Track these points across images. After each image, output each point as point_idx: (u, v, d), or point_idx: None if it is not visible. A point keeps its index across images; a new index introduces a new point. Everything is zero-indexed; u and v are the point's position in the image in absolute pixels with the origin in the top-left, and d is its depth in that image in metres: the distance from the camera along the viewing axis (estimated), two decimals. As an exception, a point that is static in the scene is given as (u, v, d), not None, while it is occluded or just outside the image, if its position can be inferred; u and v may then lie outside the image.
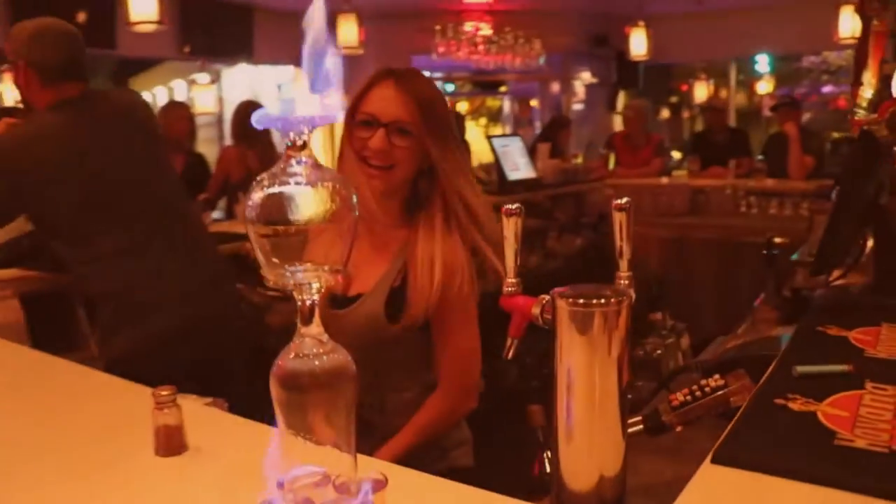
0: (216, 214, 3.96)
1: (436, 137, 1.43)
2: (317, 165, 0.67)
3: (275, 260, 0.68)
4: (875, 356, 1.23)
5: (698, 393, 1.28)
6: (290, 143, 0.66)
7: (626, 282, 0.93)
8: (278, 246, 0.67)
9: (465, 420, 1.61)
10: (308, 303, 0.70)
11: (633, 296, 0.96)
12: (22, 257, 2.19)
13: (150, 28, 4.62)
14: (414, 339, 1.48)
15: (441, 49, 6.01)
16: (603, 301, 0.80)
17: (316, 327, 0.72)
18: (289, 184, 0.66)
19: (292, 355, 0.72)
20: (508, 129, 12.10)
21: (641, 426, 1.30)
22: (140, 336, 1.93)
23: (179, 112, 4.20)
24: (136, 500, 0.89)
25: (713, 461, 0.90)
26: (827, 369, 1.14)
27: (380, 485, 0.76)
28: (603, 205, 5.19)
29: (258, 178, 0.67)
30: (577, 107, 10.95)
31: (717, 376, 1.30)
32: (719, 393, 1.27)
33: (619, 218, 0.91)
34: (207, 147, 9.47)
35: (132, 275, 1.96)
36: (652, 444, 1.34)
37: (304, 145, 0.66)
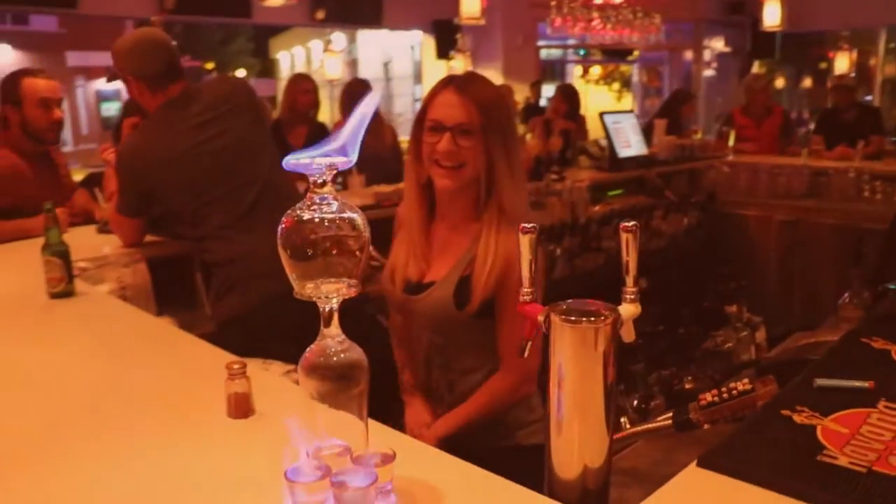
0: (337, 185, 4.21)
1: (495, 136, 1.55)
2: (334, 199, 0.82)
3: (302, 275, 0.83)
4: (908, 374, 1.25)
5: (725, 395, 1.35)
6: (313, 182, 0.81)
7: (632, 296, 1.02)
8: (304, 264, 0.82)
9: (540, 400, 1.70)
10: (327, 309, 0.85)
11: (639, 309, 1.05)
12: (151, 226, 2.48)
13: (279, 2, 4.92)
14: (481, 326, 1.60)
15: (556, 23, 5.98)
16: (592, 319, 0.90)
17: (335, 329, 0.87)
18: (312, 214, 0.81)
19: (316, 351, 0.88)
20: (637, 98, 11.84)
21: (671, 421, 1.40)
22: (244, 301, 2.17)
23: (304, 85, 4.45)
24: (204, 452, 1.08)
25: (698, 464, 0.99)
26: (846, 384, 1.19)
27: (388, 458, 0.90)
28: (716, 183, 5.07)
29: (290, 209, 0.82)
30: (709, 73, 10.56)
31: (745, 380, 1.37)
32: (746, 397, 1.34)
33: (625, 238, 1.00)
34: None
35: (237, 247, 2.19)
36: (690, 437, 1.42)
37: (324, 184, 0.81)
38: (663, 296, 3.78)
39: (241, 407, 1.17)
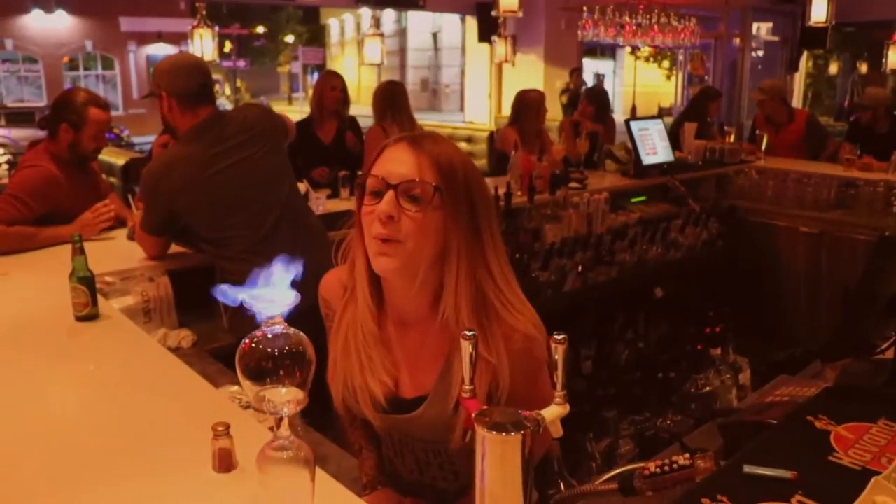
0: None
1: (458, 206, 1.25)
2: (286, 330, 0.96)
3: (256, 390, 0.97)
4: (837, 462, 1.34)
5: (667, 468, 1.47)
6: (264, 321, 0.95)
7: (560, 399, 1.14)
8: (258, 382, 0.97)
9: None
10: (279, 417, 1.00)
11: (567, 410, 1.16)
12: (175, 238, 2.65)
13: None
14: None
15: (588, 27, 5.97)
16: (505, 433, 1.03)
17: (285, 431, 1.01)
18: (264, 345, 0.95)
19: (270, 448, 1.02)
20: (683, 81, 11.72)
21: (616, 485, 1.52)
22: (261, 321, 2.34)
23: (333, 82, 4.58)
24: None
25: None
26: (771, 473, 1.29)
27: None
28: (743, 190, 5.05)
29: (249, 336, 0.96)
30: (755, 61, 10.38)
31: (686, 455, 1.48)
32: (685, 471, 1.46)
33: (555, 347, 1.12)
34: (391, 74, 10.42)
35: (256, 270, 2.35)
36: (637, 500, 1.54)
37: (273, 321, 0.95)
38: (674, 309, 3.86)
39: (225, 462, 1.32)
